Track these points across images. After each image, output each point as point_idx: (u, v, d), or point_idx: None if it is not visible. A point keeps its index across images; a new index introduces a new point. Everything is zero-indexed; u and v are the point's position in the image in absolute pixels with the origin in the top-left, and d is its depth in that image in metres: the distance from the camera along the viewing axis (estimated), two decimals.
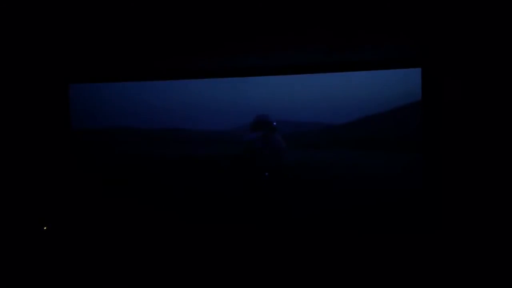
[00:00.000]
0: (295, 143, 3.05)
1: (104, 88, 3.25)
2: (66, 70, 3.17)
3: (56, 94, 3.15)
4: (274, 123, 3.12)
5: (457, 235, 2.50)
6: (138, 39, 2.52)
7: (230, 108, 3.10)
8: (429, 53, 2.58)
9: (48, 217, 2.97)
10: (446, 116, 2.51)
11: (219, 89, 3.13)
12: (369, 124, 2.87)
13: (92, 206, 3.14)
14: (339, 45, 2.61)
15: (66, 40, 2.54)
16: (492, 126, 2.41)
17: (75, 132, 3.19)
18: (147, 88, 3.23)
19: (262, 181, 3.08)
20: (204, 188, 3.08)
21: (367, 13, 2.10)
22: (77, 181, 3.14)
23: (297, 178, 3.00)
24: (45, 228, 2.89)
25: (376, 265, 2.63)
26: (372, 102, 2.78)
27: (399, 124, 2.77)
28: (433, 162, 2.60)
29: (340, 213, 2.84)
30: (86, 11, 2.08)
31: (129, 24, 2.27)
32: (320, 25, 2.29)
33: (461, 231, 2.49)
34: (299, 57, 2.85)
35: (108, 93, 3.25)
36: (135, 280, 2.79)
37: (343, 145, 3.03)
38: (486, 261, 2.41)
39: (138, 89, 3.25)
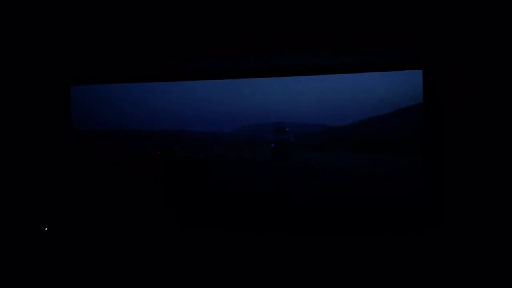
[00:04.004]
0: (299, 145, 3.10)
1: (105, 90, 3.25)
2: (67, 72, 3.16)
3: (57, 95, 3.13)
4: (287, 128, 5.56)
5: (458, 233, 2.54)
6: (138, 41, 2.53)
7: (232, 111, 3.12)
8: (430, 55, 2.65)
9: (49, 217, 2.92)
10: (447, 116, 2.57)
11: (221, 91, 3.16)
12: (371, 127, 2.93)
13: (93, 207, 3.10)
14: (343, 48, 2.66)
15: (68, 43, 2.54)
16: (492, 126, 2.49)
17: (76, 133, 3.17)
18: (148, 89, 3.23)
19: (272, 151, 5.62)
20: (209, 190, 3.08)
21: (370, 17, 2.16)
22: (78, 182, 3.11)
23: (302, 179, 3.04)
24: (46, 228, 2.84)
25: (382, 261, 2.65)
26: (375, 104, 2.83)
27: (402, 126, 2.84)
28: (434, 163, 2.65)
29: (344, 215, 2.86)
30: (87, 15, 2.09)
31: (130, 27, 2.28)
32: (325, 28, 2.34)
33: (462, 230, 2.54)
34: (304, 60, 2.89)
35: (109, 95, 3.25)
36: (136, 281, 2.75)
37: (345, 146, 3.06)
38: (484, 257, 2.46)
39: (139, 91, 3.25)
